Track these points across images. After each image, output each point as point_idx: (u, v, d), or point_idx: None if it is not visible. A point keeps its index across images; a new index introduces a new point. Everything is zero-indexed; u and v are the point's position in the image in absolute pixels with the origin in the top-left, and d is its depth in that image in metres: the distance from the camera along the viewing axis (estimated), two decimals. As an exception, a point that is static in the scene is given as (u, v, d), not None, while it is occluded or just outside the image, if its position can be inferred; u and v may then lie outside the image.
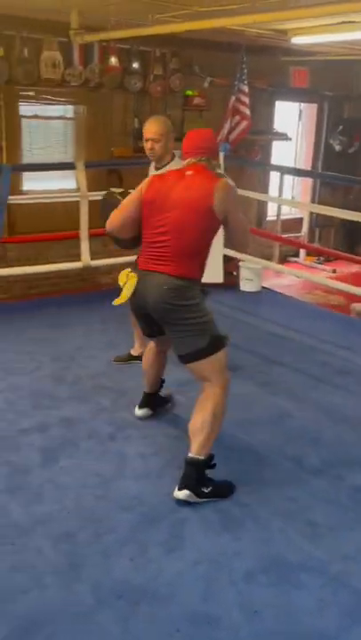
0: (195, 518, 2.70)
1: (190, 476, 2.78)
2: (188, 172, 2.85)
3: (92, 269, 5.60)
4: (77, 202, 5.18)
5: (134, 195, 2.96)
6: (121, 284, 2.94)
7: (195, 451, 2.79)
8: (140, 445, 3.27)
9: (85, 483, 2.94)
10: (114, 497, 2.83)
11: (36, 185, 5.93)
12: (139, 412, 3.56)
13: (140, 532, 2.60)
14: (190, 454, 2.80)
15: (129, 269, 2.95)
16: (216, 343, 2.81)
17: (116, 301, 2.97)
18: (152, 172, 3.78)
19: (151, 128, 3.64)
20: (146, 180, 2.97)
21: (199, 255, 2.86)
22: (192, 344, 2.79)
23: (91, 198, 5.09)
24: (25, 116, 5.93)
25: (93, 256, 5.33)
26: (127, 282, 2.91)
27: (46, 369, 4.20)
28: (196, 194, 2.76)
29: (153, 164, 3.83)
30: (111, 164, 6.22)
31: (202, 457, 2.79)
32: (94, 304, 5.38)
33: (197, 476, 2.79)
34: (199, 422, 2.80)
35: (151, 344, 3.40)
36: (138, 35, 5.02)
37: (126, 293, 2.92)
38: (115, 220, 3.00)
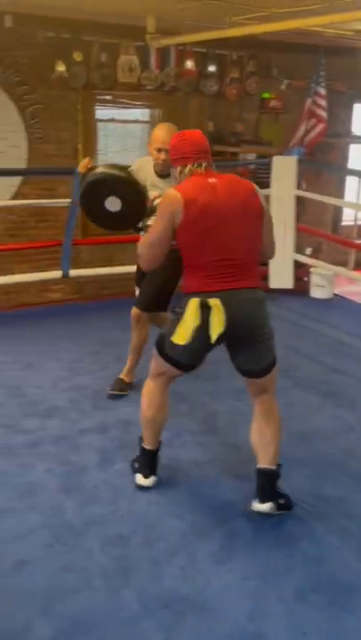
0: (247, 531, 2.65)
1: (269, 488, 2.70)
2: (212, 180, 2.58)
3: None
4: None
5: (166, 225, 2.55)
6: (193, 318, 2.51)
7: (269, 462, 2.70)
8: (196, 452, 3.25)
9: (140, 486, 2.94)
10: (166, 503, 2.82)
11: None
12: (148, 481, 2.91)
13: (191, 541, 2.58)
14: (265, 465, 2.70)
15: (196, 299, 2.52)
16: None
17: (180, 340, 2.54)
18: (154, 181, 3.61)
19: (164, 137, 3.37)
20: (169, 205, 2.54)
21: (259, 261, 2.76)
22: (271, 355, 2.71)
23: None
24: (101, 120, 6.04)
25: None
26: (213, 313, 2.50)
27: (110, 370, 4.24)
28: (246, 198, 2.59)
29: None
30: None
31: (275, 467, 2.72)
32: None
33: (273, 487, 2.72)
34: (270, 433, 2.72)
35: (159, 383, 2.86)
36: (214, 38, 5.01)
37: (217, 326, 2.50)
38: (156, 258, 2.65)
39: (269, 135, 6.68)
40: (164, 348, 2.71)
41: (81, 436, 3.41)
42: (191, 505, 2.82)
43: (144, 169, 3.66)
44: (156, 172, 3.59)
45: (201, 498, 2.88)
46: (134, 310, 3.75)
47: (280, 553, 2.52)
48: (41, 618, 2.15)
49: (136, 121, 6.29)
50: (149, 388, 2.88)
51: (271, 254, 2.84)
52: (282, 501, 2.73)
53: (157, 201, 3.38)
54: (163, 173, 3.56)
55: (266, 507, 2.67)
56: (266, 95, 6.55)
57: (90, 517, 2.71)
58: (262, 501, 2.67)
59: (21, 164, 5.70)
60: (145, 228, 3.59)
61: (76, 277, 5.60)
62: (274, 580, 2.38)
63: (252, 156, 6.56)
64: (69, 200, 4.95)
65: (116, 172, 3.66)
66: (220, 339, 2.55)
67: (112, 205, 3.61)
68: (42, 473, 3.02)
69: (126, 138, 6.29)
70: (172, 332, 2.59)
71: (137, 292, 3.89)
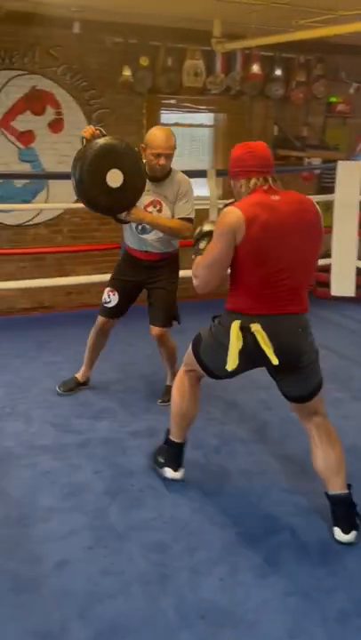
0: (292, 545, 2.58)
1: (350, 516, 2.60)
2: (275, 197, 2.45)
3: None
4: (207, 209, 5.19)
5: (225, 244, 2.41)
6: (237, 343, 2.46)
7: (341, 486, 2.61)
8: (245, 462, 3.20)
9: (184, 493, 2.91)
10: (210, 512, 2.78)
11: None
12: (179, 474, 2.95)
13: (233, 553, 2.53)
14: (338, 491, 2.61)
15: (237, 322, 2.47)
16: None
17: (231, 366, 2.47)
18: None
19: (164, 142, 3.34)
20: (230, 225, 2.39)
21: (309, 286, 2.65)
22: (317, 377, 2.62)
23: (220, 206, 5.07)
24: (166, 124, 6.06)
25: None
26: (259, 338, 2.44)
27: (163, 373, 4.24)
28: (309, 220, 2.48)
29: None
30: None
31: (348, 491, 2.62)
32: (219, 311, 5.35)
33: (353, 514, 2.61)
34: (336, 456, 2.62)
35: (191, 377, 2.83)
36: (280, 41, 4.94)
37: (268, 349, 2.44)
38: (214, 279, 2.53)
39: (336, 140, 6.54)
40: (199, 351, 2.70)
41: (130, 438, 3.42)
42: (236, 515, 2.76)
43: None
44: (150, 176, 3.44)
45: (247, 508, 2.82)
46: (156, 330, 3.66)
47: (325, 570, 2.44)
48: (78, 620, 2.16)
49: (200, 125, 6.29)
50: (181, 381, 2.86)
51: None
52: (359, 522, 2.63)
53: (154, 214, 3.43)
54: (158, 177, 3.46)
55: (351, 537, 2.57)
56: (333, 99, 6.43)
57: (133, 522, 2.70)
58: (346, 531, 2.57)
59: (86, 167, 5.79)
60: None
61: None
62: (316, 598, 2.30)
63: (317, 161, 6.44)
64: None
65: (121, 142, 3.27)
66: (254, 365, 2.54)
67: (113, 180, 3.21)
68: (89, 474, 3.04)
69: (190, 142, 6.30)
70: (209, 338, 2.63)
71: (110, 295, 3.70)
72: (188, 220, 3.52)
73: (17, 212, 5.61)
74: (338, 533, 2.58)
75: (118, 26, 5.41)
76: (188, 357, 2.82)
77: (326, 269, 5.42)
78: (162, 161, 3.36)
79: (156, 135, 3.39)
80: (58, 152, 5.72)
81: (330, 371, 3.59)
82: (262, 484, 3.01)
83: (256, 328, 2.43)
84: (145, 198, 3.46)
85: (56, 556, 2.47)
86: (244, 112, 6.24)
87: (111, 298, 3.70)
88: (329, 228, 5.09)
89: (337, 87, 6.44)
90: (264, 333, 2.43)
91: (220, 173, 5.20)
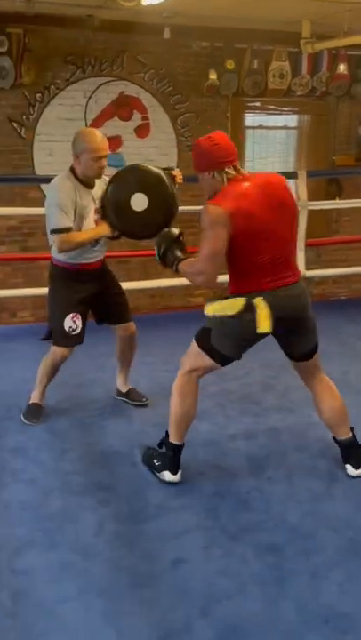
0: None
1: (357, 454, 3.00)
2: (246, 184, 2.64)
3: (305, 280, 5.53)
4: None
5: (221, 234, 2.55)
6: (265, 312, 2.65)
7: (347, 432, 3.01)
8: (352, 466, 3.14)
9: (293, 496, 2.89)
10: (322, 516, 2.74)
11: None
12: (177, 477, 2.96)
13: (349, 558, 2.48)
14: (345, 436, 3.01)
15: (242, 299, 2.66)
16: None
17: (266, 329, 2.68)
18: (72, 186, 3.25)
19: (104, 143, 3.22)
20: (216, 220, 2.55)
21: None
22: (316, 333, 2.91)
23: (310, 208, 5.03)
24: (250, 127, 6.06)
25: (307, 266, 5.28)
26: (260, 309, 2.64)
27: (256, 376, 4.23)
28: (279, 194, 2.70)
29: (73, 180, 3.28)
30: (333, 173, 6.10)
31: (353, 434, 3.03)
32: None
33: (359, 451, 3.02)
34: (339, 407, 2.99)
35: (194, 378, 2.92)
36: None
37: (265, 320, 2.66)
38: (218, 269, 2.66)
39: None
40: (210, 341, 2.80)
41: (228, 441, 3.42)
42: (350, 520, 2.71)
43: (75, 190, 3.24)
44: (86, 183, 3.28)
45: (359, 515, 2.77)
46: (133, 326, 3.68)
47: None
48: (201, 619, 2.16)
49: (284, 127, 6.25)
50: (184, 382, 2.92)
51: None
52: None
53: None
54: (91, 182, 3.31)
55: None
56: None
57: (243, 523, 2.69)
58: (357, 467, 2.99)
59: (171, 171, 5.84)
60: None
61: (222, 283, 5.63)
62: None
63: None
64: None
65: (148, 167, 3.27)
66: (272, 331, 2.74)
67: (137, 204, 3.18)
68: (194, 475, 3.05)
69: (273, 144, 6.27)
70: (218, 325, 2.76)
71: (75, 322, 3.42)
72: None
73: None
74: (350, 470, 3.00)
75: (206, 30, 5.45)
76: (191, 358, 2.91)
77: None
78: (104, 163, 3.24)
79: (96, 137, 3.22)
80: (143, 157, 5.79)
81: None
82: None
83: (258, 301, 2.63)
84: (91, 207, 3.32)
85: (171, 554, 2.48)
86: (329, 113, 6.17)
87: (77, 324, 3.43)
88: None
89: None
90: (265, 304, 2.63)
91: (312, 174, 5.15)
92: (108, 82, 5.55)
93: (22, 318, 5.77)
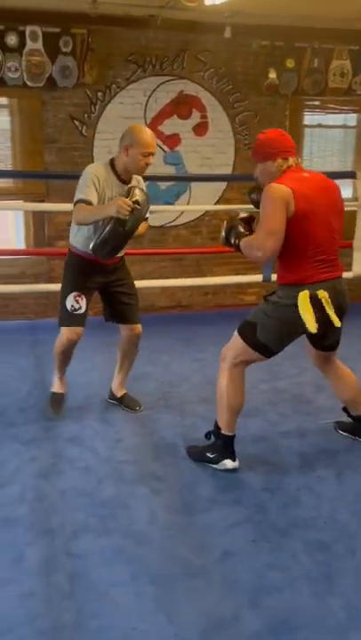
0: None
1: None
2: (306, 174, 2.83)
3: (359, 280, 5.49)
4: (354, 211, 5.12)
5: (282, 210, 2.66)
6: (309, 309, 2.76)
7: None
8: None
9: (341, 495, 2.90)
10: (371, 516, 2.75)
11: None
12: (237, 462, 3.06)
13: None
14: None
15: (306, 291, 2.76)
16: None
17: (314, 329, 2.78)
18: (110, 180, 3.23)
19: (153, 141, 3.20)
20: (281, 198, 2.66)
21: None
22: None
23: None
24: (308, 126, 6.04)
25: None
26: (325, 304, 2.78)
27: (308, 375, 4.23)
28: (335, 194, 2.86)
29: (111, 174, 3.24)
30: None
31: None
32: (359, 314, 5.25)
33: None
34: (358, 384, 3.25)
35: (240, 369, 3.03)
36: None
37: (334, 315, 2.83)
38: (278, 244, 2.70)
39: None
40: (256, 334, 2.89)
41: (280, 438, 3.44)
42: None
43: (107, 181, 3.23)
44: (122, 177, 3.26)
45: None
46: (140, 328, 3.60)
47: None
48: (250, 609, 2.21)
49: (343, 126, 6.20)
50: (230, 375, 2.99)
51: None
52: None
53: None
54: (129, 178, 3.28)
55: None
56: None
57: (293, 520, 2.72)
58: None
59: (227, 169, 5.90)
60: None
61: (274, 282, 5.64)
62: None
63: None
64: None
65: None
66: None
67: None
68: (244, 470, 3.09)
69: (332, 143, 6.23)
70: (266, 318, 2.87)
71: (78, 301, 3.39)
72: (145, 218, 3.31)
73: (159, 214, 5.79)
74: None
75: (266, 28, 5.45)
76: (234, 350, 2.99)
77: None
78: (150, 160, 3.22)
79: (147, 133, 3.21)
80: (200, 155, 5.87)
81: None
82: None
83: (323, 294, 2.75)
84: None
85: (221, 546, 2.54)
86: (390, 111, 6.09)
87: (80, 304, 3.39)
88: None
89: None
90: (328, 299, 2.76)
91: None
92: (168, 81, 5.62)
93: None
